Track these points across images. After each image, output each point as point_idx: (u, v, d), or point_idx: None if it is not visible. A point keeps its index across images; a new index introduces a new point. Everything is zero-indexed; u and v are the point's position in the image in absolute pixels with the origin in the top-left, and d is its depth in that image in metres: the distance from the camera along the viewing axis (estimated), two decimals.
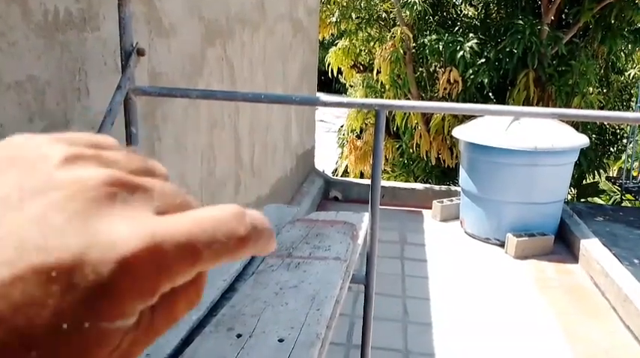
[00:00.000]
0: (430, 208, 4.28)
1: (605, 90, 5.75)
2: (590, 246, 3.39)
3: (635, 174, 5.35)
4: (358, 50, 5.88)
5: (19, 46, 1.18)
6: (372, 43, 5.79)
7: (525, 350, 2.47)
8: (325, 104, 1.20)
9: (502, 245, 3.65)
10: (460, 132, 3.81)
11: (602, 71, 5.56)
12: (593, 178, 5.86)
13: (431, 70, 5.41)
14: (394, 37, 5.17)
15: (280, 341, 0.98)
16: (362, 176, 5.69)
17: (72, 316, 0.16)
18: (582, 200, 5.62)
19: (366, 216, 1.58)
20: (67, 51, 1.32)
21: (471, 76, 5.01)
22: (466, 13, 5.73)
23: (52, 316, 0.15)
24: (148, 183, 0.19)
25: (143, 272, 0.17)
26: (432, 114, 5.26)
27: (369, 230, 1.33)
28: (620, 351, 2.51)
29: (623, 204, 5.31)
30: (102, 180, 0.17)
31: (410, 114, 5.37)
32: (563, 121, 3.88)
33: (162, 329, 0.19)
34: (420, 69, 5.49)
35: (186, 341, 1.02)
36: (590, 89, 5.18)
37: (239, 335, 1.01)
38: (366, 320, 1.42)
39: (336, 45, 5.96)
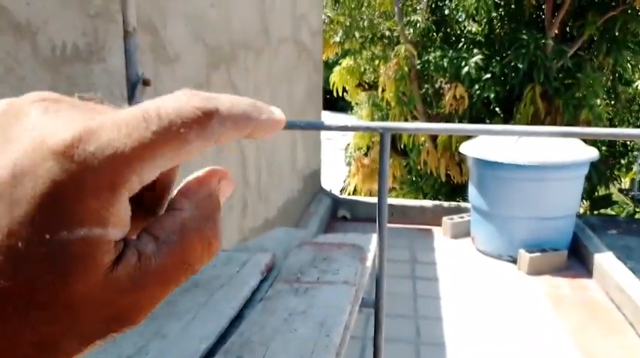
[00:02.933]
0: (440, 225, 4.25)
1: (613, 102, 5.72)
2: (604, 261, 3.34)
3: None
4: (363, 69, 5.92)
5: (27, 80, 1.20)
6: (376, 62, 5.82)
7: None
8: (329, 128, 1.21)
9: (515, 261, 3.61)
10: (468, 149, 3.80)
11: (609, 83, 5.53)
12: (606, 191, 5.80)
13: (436, 86, 5.42)
14: (398, 54, 5.20)
15: None
16: (371, 194, 5.68)
17: (24, 234, 0.15)
18: (595, 212, 5.55)
19: (374, 237, 1.57)
20: (74, 83, 1.34)
21: (477, 92, 5.01)
22: (470, 29, 5.76)
23: (5, 238, 0.15)
24: (76, 100, 0.19)
25: (83, 165, 0.16)
26: None
27: (377, 255, 1.32)
28: None
29: (636, 216, 5.24)
30: (31, 98, 0.18)
31: None
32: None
33: (173, 273, 0.18)
34: (426, 86, 5.51)
35: None
36: (598, 101, 5.16)
37: None
38: (376, 344, 1.40)
39: (340, 64, 6.00)
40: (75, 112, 0.18)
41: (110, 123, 0.17)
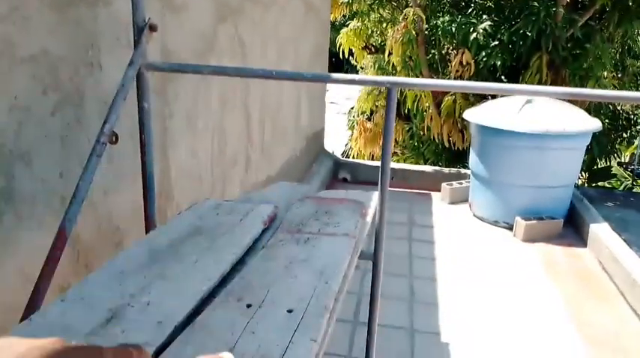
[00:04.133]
0: (439, 191, 4.28)
1: (620, 75, 5.65)
2: (600, 231, 3.38)
3: None
4: (370, 31, 5.83)
5: (32, 20, 1.19)
6: (384, 25, 5.72)
7: (531, 333, 2.49)
8: (336, 81, 1.20)
9: (511, 228, 3.65)
10: (471, 115, 3.79)
11: (617, 55, 5.46)
12: (605, 164, 5.81)
13: (443, 52, 5.35)
14: (406, 18, 5.11)
15: (289, 311, 1.00)
16: (371, 158, 5.69)
17: None
18: (593, 185, 5.58)
19: (376, 195, 1.59)
20: (80, 26, 1.32)
21: (484, 59, 4.95)
22: None
23: None
24: None
25: None
26: (444, 96, 5.21)
27: (378, 206, 1.34)
28: (627, 336, 2.52)
29: (634, 190, 5.27)
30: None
31: (421, 96, 5.33)
32: (575, 105, 3.84)
33: None
34: (432, 51, 5.43)
35: (197, 311, 1.04)
36: (605, 73, 5.10)
37: (249, 305, 1.03)
38: (373, 296, 1.44)
39: (347, 26, 5.90)
40: None
41: None
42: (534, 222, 3.53)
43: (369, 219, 1.52)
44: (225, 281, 1.17)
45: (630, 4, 4.85)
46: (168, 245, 1.29)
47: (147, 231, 1.53)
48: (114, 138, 1.23)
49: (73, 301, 1.04)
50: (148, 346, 0.88)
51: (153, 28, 1.35)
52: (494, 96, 4.10)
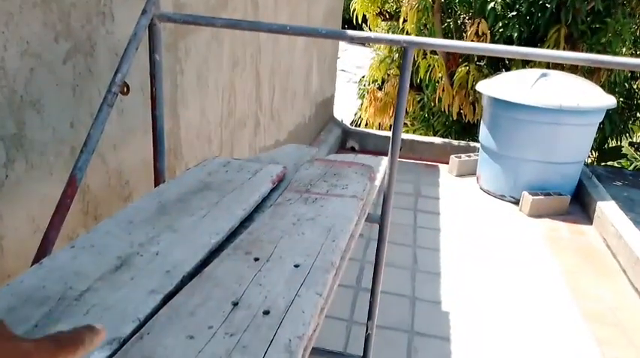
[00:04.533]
0: (447, 163, 4.26)
1: (638, 52, 5.52)
2: (606, 208, 3.37)
3: None
4: None
5: None
6: None
7: (532, 305, 2.51)
8: (352, 38, 1.18)
9: (517, 203, 3.65)
10: (484, 87, 3.73)
11: (638, 32, 5.32)
12: (617, 143, 5.74)
13: (459, 21, 5.23)
14: None
15: (296, 266, 1.01)
16: (380, 128, 5.65)
17: None
18: (602, 164, 5.53)
19: (385, 160, 1.58)
20: None
21: (500, 30, 4.84)
22: None
23: None
24: None
25: None
26: (457, 67, 5.13)
27: (388, 170, 1.33)
28: (626, 311, 2.54)
29: None
30: None
31: (434, 66, 5.24)
32: (590, 80, 3.77)
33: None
34: (448, 20, 5.31)
35: (205, 262, 1.05)
36: (624, 50, 4.98)
37: (256, 259, 1.04)
38: (378, 259, 1.45)
39: None
40: None
41: None
42: (541, 197, 3.52)
43: (377, 183, 1.51)
44: (233, 235, 1.18)
45: None
46: (177, 198, 1.29)
47: (156, 186, 1.54)
48: (125, 89, 1.22)
49: (82, 248, 1.06)
50: (154, 294, 0.89)
51: None
52: (508, 70, 4.03)
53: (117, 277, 0.95)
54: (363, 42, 1.19)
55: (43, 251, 1.20)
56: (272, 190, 1.42)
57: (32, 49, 1.14)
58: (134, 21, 1.38)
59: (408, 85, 1.21)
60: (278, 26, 1.21)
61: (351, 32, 1.19)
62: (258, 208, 1.32)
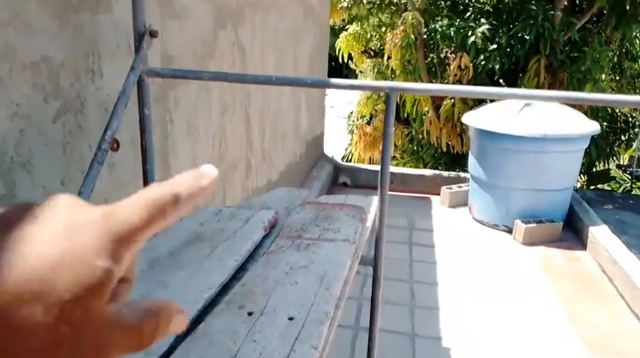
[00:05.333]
0: (439, 194, 4.29)
1: (618, 78, 5.67)
2: (599, 233, 3.39)
3: None
4: (369, 35, 5.84)
5: (34, 26, 1.20)
6: (382, 29, 5.74)
7: (532, 336, 2.49)
8: (336, 86, 1.21)
9: (510, 231, 3.66)
10: (470, 119, 3.80)
11: (615, 58, 5.48)
12: (604, 166, 5.82)
13: (442, 55, 5.36)
14: (405, 22, 5.13)
15: (290, 319, 1.01)
16: (371, 162, 5.69)
17: (78, 254, 0.23)
18: (592, 187, 5.59)
19: (375, 200, 1.59)
20: (81, 32, 1.33)
21: (482, 62, 4.97)
22: None
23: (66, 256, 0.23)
24: None
25: (111, 225, 0.24)
26: (443, 100, 5.23)
27: (378, 212, 1.34)
28: (626, 337, 2.52)
29: (633, 193, 5.28)
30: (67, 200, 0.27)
31: (420, 100, 5.34)
32: (574, 107, 3.85)
33: (132, 334, 0.25)
34: (431, 55, 5.45)
35: (199, 319, 1.04)
36: (603, 76, 5.11)
37: (250, 313, 1.03)
38: (374, 302, 1.44)
39: (346, 30, 5.92)
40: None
41: (126, 210, 0.25)
42: (534, 225, 3.53)
43: (368, 224, 1.52)
44: (226, 288, 1.17)
45: (627, 7, 4.87)
46: (169, 252, 1.29)
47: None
48: (115, 145, 1.23)
49: None
50: (149, 356, 0.88)
51: (153, 34, 1.35)
52: (492, 100, 4.11)
53: None
54: (347, 89, 1.22)
55: None
56: (264, 236, 1.42)
57: (22, 110, 1.16)
58: (123, 75, 1.40)
59: (392, 130, 1.23)
60: (264, 77, 1.23)
61: (334, 81, 1.22)
62: (251, 256, 1.32)
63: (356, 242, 1.37)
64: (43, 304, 0.22)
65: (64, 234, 0.23)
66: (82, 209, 0.25)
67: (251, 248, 1.33)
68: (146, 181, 1.37)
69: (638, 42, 5.61)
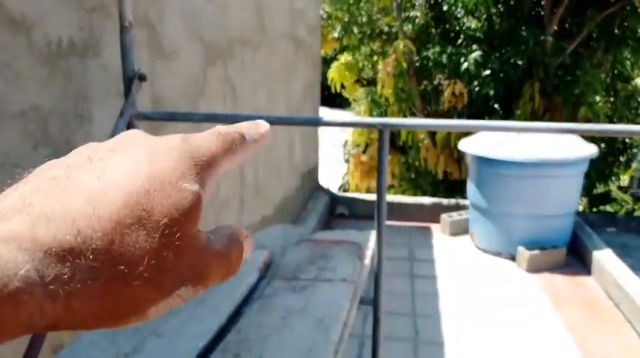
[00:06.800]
0: (439, 223, 4.25)
1: (612, 99, 5.71)
2: (603, 258, 3.34)
3: None
4: (361, 65, 5.90)
5: (23, 75, 1.19)
6: (374, 58, 5.81)
7: None
8: (328, 124, 1.19)
9: (514, 259, 3.61)
10: (466, 146, 3.79)
11: (608, 80, 5.52)
12: (604, 188, 5.80)
13: (435, 82, 5.41)
14: (397, 50, 5.19)
15: None
16: (369, 191, 5.67)
17: (166, 178, 0.24)
18: (594, 209, 5.55)
19: (373, 235, 1.56)
20: (70, 79, 1.32)
21: (476, 88, 5.00)
22: (469, 25, 5.74)
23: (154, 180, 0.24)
24: None
25: (196, 152, 0.26)
26: None
27: (376, 251, 1.31)
28: None
29: (635, 214, 5.24)
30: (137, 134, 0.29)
31: None
32: None
33: (222, 260, 0.26)
34: (424, 82, 5.49)
35: None
36: (597, 98, 5.15)
37: None
38: (375, 342, 1.39)
39: (338, 60, 5.98)
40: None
41: (201, 137, 0.27)
42: (537, 252, 3.48)
43: (367, 261, 1.48)
44: (221, 334, 1.13)
45: (616, 30, 4.94)
46: None
47: None
48: None
49: None
50: None
51: (142, 78, 1.35)
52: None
53: None
54: (339, 126, 1.21)
55: None
56: (259, 278, 1.38)
57: (11, 159, 1.14)
58: (113, 119, 1.39)
59: (387, 165, 1.21)
60: (255, 117, 1.22)
61: (326, 119, 1.20)
62: (245, 301, 1.28)
63: (354, 281, 1.33)
64: (145, 228, 0.22)
65: (148, 160, 0.24)
66: (157, 137, 0.26)
67: (246, 291, 1.29)
68: None
69: (629, 63, 5.67)
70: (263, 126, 0.30)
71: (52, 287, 0.20)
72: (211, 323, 1.14)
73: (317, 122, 1.22)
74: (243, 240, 0.27)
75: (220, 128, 0.28)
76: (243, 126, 0.29)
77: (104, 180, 0.23)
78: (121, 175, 0.23)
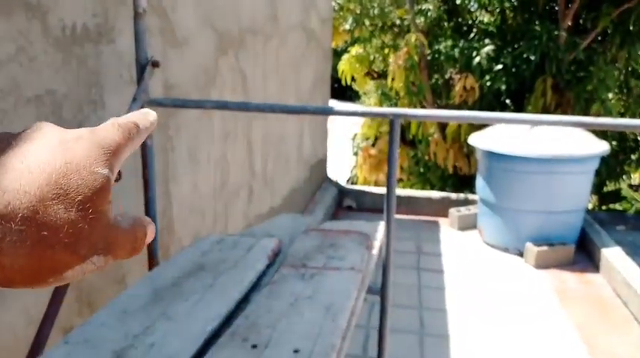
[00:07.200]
0: (447, 217, 4.24)
1: (625, 97, 5.64)
2: (612, 256, 3.32)
3: None
4: (372, 57, 5.87)
5: (38, 60, 1.20)
6: (386, 50, 5.77)
7: None
8: (339, 113, 1.20)
9: (521, 255, 3.59)
10: (476, 140, 3.77)
11: (621, 77, 5.46)
12: (615, 186, 5.75)
13: (446, 76, 5.37)
14: (408, 43, 5.15)
15: (296, 352, 0.97)
16: (377, 185, 5.66)
17: (81, 165, 0.27)
18: (604, 207, 5.51)
19: (382, 225, 1.56)
20: (84, 64, 1.33)
21: (488, 83, 4.96)
22: (482, 19, 5.69)
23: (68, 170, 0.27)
24: None
25: (104, 142, 0.29)
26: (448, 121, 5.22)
27: (385, 241, 1.31)
28: None
29: None
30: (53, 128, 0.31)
31: (425, 121, 5.33)
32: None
33: (128, 239, 0.29)
34: (435, 76, 5.46)
35: (202, 352, 1.01)
36: (610, 95, 5.09)
37: (254, 346, 1.00)
38: (381, 332, 1.40)
39: (349, 52, 5.95)
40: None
41: (104, 129, 0.30)
42: (545, 248, 3.47)
43: (375, 251, 1.49)
44: (229, 319, 1.14)
45: (631, 27, 4.87)
46: (172, 283, 1.26)
47: (150, 268, 1.51)
48: (118, 176, 1.22)
49: (76, 343, 1.02)
50: None
51: (155, 65, 1.36)
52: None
53: None
54: (351, 116, 1.21)
55: (38, 344, 1.16)
56: (268, 266, 1.39)
57: None
58: (125, 105, 1.40)
59: (397, 156, 1.22)
60: (267, 106, 1.22)
61: (338, 108, 1.21)
62: (254, 287, 1.29)
63: (362, 270, 1.34)
64: (63, 203, 0.26)
65: (61, 147, 0.27)
66: (64, 129, 0.30)
67: (254, 278, 1.31)
68: (147, 210, 1.36)
69: None
70: (152, 114, 0.34)
71: None
72: (220, 308, 1.15)
73: (328, 111, 1.23)
74: (146, 225, 0.31)
75: (117, 120, 0.31)
76: (135, 117, 0.32)
77: (26, 162, 0.26)
78: (41, 159, 0.27)
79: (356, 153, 6.37)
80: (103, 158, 0.28)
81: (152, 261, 1.48)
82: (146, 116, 0.33)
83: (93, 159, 0.28)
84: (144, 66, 1.32)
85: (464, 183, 5.41)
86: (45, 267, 0.26)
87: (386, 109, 1.13)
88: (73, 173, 0.27)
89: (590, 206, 5.33)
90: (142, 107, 1.31)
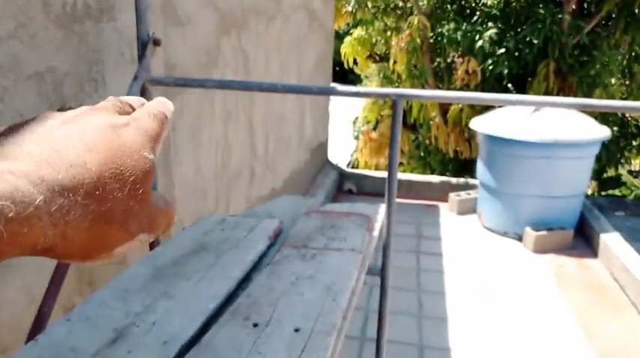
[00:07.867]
0: (447, 201, 4.25)
1: (628, 82, 5.61)
2: (611, 241, 3.33)
3: None
4: (374, 40, 5.82)
5: (38, 37, 1.19)
6: (388, 33, 5.72)
7: (543, 346, 2.44)
8: (342, 94, 1.19)
9: (520, 239, 3.61)
10: (478, 124, 3.76)
11: (625, 62, 5.42)
12: (615, 172, 5.75)
13: (448, 60, 5.33)
14: (411, 26, 5.11)
15: (296, 330, 0.98)
16: (377, 169, 5.66)
17: (127, 152, 0.30)
18: (603, 193, 5.52)
19: (382, 208, 1.56)
20: (85, 42, 1.32)
21: (490, 67, 4.93)
22: (485, 1, 5.62)
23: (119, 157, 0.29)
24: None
25: (143, 128, 0.32)
26: (450, 105, 5.19)
27: (385, 222, 1.32)
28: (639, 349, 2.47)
29: None
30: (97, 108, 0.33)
31: (427, 105, 5.31)
32: (584, 113, 3.81)
33: (166, 218, 0.32)
34: (438, 59, 5.42)
35: (203, 330, 1.02)
36: (613, 80, 5.06)
37: (255, 325, 1.01)
38: (381, 313, 1.41)
39: (351, 34, 5.90)
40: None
41: (143, 118, 0.33)
42: (544, 232, 3.48)
43: (375, 233, 1.49)
44: (231, 299, 1.15)
45: (636, 10, 4.82)
46: (173, 262, 1.27)
47: (151, 248, 1.52)
48: None
49: (78, 321, 1.03)
50: None
51: (157, 43, 1.34)
52: (501, 105, 4.07)
53: (113, 352, 0.92)
54: (353, 96, 1.20)
55: (39, 322, 1.17)
56: (269, 246, 1.40)
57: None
58: (126, 84, 1.39)
59: (399, 137, 1.21)
60: (269, 85, 1.22)
61: (340, 88, 1.20)
62: (255, 266, 1.29)
63: (363, 251, 1.35)
64: (118, 182, 0.27)
65: (114, 131, 0.29)
66: (109, 113, 0.32)
67: (255, 257, 1.31)
68: None
69: None
70: (170, 104, 0.36)
71: (55, 216, 0.25)
72: (221, 287, 1.16)
73: (331, 92, 1.22)
74: (175, 207, 0.33)
75: (150, 109, 0.33)
76: (158, 106, 0.34)
77: (85, 141, 0.28)
78: (97, 139, 0.28)
79: (357, 137, 6.36)
80: (148, 144, 0.30)
81: (153, 242, 1.48)
82: (166, 106, 0.35)
83: (141, 145, 0.30)
84: (145, 44, 1.30)
85: (465, 167, 5.41)
86: (101, 243, 0.27)
87: (389, 90, 1.12)
88: (126, 155, 0.28)
89: (589, 191, 5.34)
90: (143, 86, 1.30)
